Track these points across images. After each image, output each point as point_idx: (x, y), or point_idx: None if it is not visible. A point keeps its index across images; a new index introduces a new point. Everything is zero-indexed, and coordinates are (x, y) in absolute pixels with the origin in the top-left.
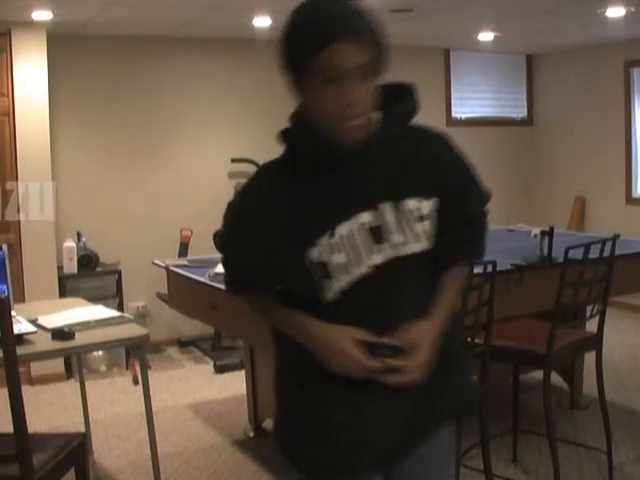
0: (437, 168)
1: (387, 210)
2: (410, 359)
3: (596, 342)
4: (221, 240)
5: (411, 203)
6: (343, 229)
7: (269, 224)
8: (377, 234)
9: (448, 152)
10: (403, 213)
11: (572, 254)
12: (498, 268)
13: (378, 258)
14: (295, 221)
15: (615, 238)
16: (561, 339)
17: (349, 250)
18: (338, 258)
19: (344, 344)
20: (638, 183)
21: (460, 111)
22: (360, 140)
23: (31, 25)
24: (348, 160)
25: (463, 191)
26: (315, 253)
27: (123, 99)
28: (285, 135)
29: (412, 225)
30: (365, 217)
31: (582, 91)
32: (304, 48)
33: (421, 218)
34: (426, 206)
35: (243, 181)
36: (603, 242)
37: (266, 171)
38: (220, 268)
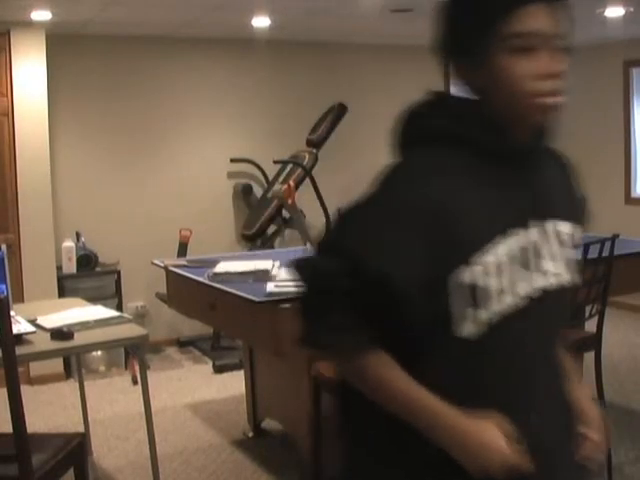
0: (574, 191)
1: (544, 230)
2: (594, 432)
3: (595, 342)
4: (344, 245)
5: (565, 226)
6: (501, 247)
7: (415, 236)
8: (532, 257)
9: (575, 175)
10: (560, 237)
11: None
12: None
13: (531, 288)
14: (446, 234)
15: (614, 238)
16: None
17: (505, 274)
18: (492, 282)
19: (498, 440)
20: (637, 183)
21: None
22: (538, 132)
23: (30, 25)
24: (514, 162)
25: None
26: (466, 273)
27: (123, 99)
28: (447, 125)
29: (566, 252)
30: (525, 235)
31: (581, 91)
32: (497, 5)
33: (574, 246)
34: (577, 233)
35: (243, 181)
36: (602, 242)
37: (421, 169)
38: (219, 268)
